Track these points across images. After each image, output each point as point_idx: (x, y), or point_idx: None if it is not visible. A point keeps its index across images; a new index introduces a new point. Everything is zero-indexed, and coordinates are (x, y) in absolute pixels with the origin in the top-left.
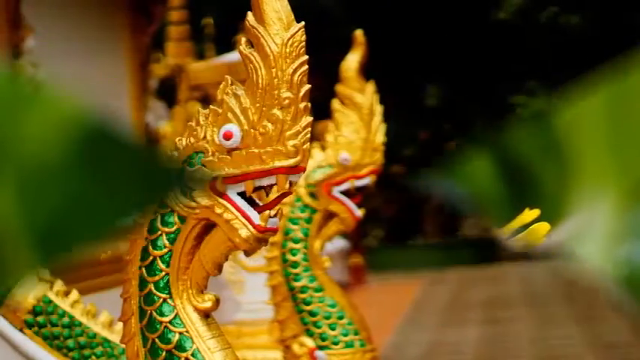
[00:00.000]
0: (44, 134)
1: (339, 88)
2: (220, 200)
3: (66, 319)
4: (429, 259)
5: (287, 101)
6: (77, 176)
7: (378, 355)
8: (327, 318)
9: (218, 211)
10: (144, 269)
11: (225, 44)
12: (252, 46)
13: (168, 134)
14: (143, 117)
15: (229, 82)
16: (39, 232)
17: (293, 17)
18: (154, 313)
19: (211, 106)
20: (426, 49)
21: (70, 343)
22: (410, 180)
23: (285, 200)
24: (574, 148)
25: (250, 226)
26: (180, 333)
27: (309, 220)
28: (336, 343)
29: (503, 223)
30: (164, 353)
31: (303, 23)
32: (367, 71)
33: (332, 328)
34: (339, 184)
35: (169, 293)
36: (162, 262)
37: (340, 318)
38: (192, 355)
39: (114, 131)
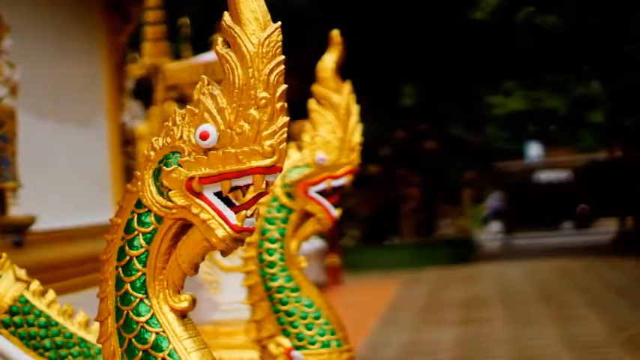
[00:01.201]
0: None
1: (316, 88)
2: (197, 200)
3: (42, 319)
4: (406, 259)
5: (264, 101)
6: None
7: (355, 355)
8: (304, 318)
9: (194, 211)
10: (120, 269)
11: (202, 44)
12: (229, 46)
13: (145, 134)
14: (120, 117)
15: (206, 82)
16: None
17: (269, 17)
18: (131, 313)
19: (188, 106)
20: (402, 49)
21: (47, 343)
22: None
23: (262, 200)
24: None
25: (227, 226)
26: (157, 333)
27: (285, 220)
28: (312, 343)
29: None
30: (140, 353)
31: (279, 23)
32: (344, 71)
33: (308, 328)
34: (315, 184)
35: (146, 293)
36: (139, 262)
37: (317, 318)
38: (169, 355)
39: None
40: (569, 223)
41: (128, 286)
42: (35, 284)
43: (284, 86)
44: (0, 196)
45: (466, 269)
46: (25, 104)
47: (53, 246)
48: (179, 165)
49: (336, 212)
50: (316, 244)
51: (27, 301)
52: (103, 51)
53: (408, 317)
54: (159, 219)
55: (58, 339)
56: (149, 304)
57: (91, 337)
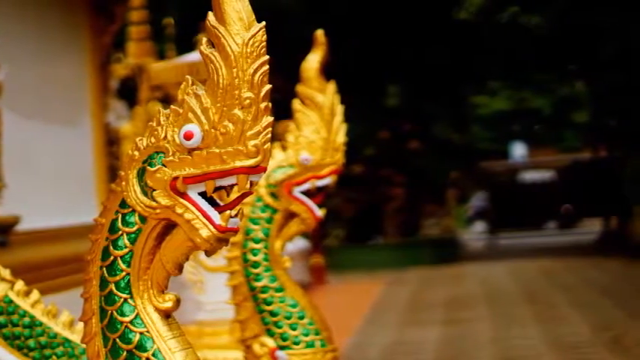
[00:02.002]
0: None
1: (300, 88)
2: (181, 200)
3: (27, 319)
4: (390, 259)
5: (248, 101)
6: None
7: (339, 355)
8: (288, 318)
9: (179, 211)
10: (105, 269)
11: (186, 44)
12: (213, 46)
13: (129, 134)
14: (104, 117)
15: (190, 82)
16: None
17: (254, 17)
18: (115, 313)
19: (172, 106)
20: (386, 49)
21: (31, 343)
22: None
23: (246, 200)
24: None
25: (211, 226)
26: (141, 333)
27: (269, 220)
28: (296, 343)
29: None
30: (125, 353)
31: (264, 23)
32: (328, 71)
33: (293, 328)
34: (299, 184)
35: (130, 293)
36: (123, 262)
37: (301, 318)
38: (153, 355)
39: None
40: (554, 223)
41: (112, 286)
42: (19, 284)
43: (268, 86)
44: None
45: (450, 269)
46: (10, 104)
47: (37, 246)
48: (163, 165)
49: (320, 212)
50: (300, 244)
51: (11, 301)
52: (88, 51)
53: (392, 317)
54: (143, 219)
55: (42, 339)
56: (133, 304)
57: (75, 337)
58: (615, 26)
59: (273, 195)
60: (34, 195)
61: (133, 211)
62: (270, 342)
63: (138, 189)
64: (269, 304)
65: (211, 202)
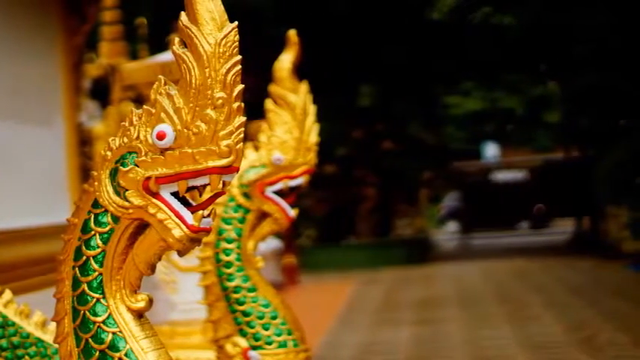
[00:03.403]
0: None
1: (273, 88)
2: (153, 200)
3: None
4: (363, 259)
5: (220, 101)
6: None
7: (312, 355)
8: (261, 318)
9: (151, 211)
10: (77, 269)
11: (159, 44)
12: (186, 46)
13: (102, 134)
14: (76, 117)
15: (162, 82)
16: None
17: (226, 17)
18: (88, 313)
19: (144, 106)
20: (359, 49)
21: (4, 343)
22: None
23: (219, 200)
24: None
25: (183, 226)
26: (114, 333)
27: (242, 220)
28: (269, 343)
29: None
30: (97, 353)
31: (236, 23)
32: (300, 71)
33: (265, 328)
34: (272, 184)
35: (103, 293)
36: (96, 262)
37: (273, 318)
38: (126, 355)
39: None
40: (526, 223)
41: (85, 286)
42: None
43: (241, 86)
44: None
45: (423, 269)
46: None
47: (9, 246)
48: (136, 165)
49: (292, 212)
50: (273, 244)
51: None
52: (60, 51)
53: (365, 317)
54: (115, 219)
55: (15, 339)
56: (106, 304)
57: (48, 337)
58: (588, 27)
59: (246, 195)
60: (5, 195)
61: (106, 211)
62: (243, 342)
63: (110, 189)
64: (241, 304)
65: (184, 202)
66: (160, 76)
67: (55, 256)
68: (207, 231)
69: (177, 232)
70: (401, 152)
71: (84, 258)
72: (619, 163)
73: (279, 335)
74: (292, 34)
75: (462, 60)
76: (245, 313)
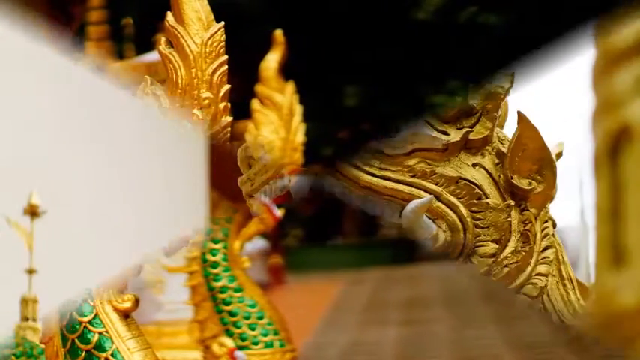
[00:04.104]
0: None
1: (259, 88)
2: None
3: None
4: (349, 259)
5: (207, 101)
6: None
7: (298, 355)
8: (247, 318)
9: None
10: None
11: (145, 44)
12: (172, 46)
13: None
14: None
15: (149, 82)
16: None
17: (213, 17)
18: (74, 313)
19: None
20: (345, 49)
21: None
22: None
23: None
24: None
25: None
26: (100, 333)
27: (229, 220)
28: (255, 343)
29: None
30: (84, 353)
31: (222, 23)
32: (286, 71)
33: (251, 328)
34: None
35: (89, 293)
36: None
37: (260, 318)
38: (112, 355)
39: None
40: None
41: None
42: None
43: (227, 86)
44: None
45: (409, 269)
46: None
47: None
48: None
49: (278, 212)
50: (259, 244)
51: None
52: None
53: (351, 317)
54: None
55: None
56: (92, 303)
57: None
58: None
59: None
60: None
61: None
62: (229, 342)
63: None
64: (228, 304)
65: None
66: (146, 76)
67: None
68: None
69: None
70: None
71: None
72: None
73: (265, 335)
74: (278, 34)
75: (448, 59)
76: (231, 313)
